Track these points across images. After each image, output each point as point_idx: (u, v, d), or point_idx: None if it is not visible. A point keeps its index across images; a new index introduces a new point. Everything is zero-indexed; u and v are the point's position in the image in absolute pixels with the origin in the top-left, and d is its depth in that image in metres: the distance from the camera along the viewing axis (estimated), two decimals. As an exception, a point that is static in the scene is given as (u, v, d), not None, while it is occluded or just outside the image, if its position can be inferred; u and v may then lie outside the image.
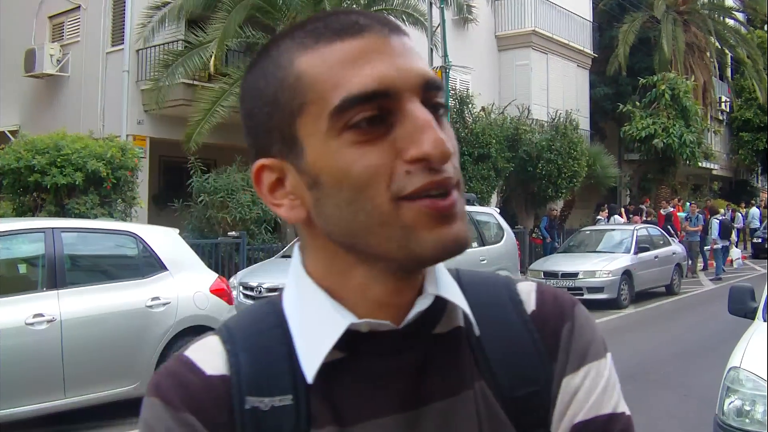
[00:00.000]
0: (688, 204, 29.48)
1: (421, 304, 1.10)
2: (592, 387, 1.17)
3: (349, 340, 1.09)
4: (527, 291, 1.25)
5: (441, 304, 1.14)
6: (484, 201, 22.46)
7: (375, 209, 1.01)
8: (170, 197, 18.60)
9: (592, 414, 1.16)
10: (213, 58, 17.97)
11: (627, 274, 18.90)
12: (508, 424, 1.15)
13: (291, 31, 1.09)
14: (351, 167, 1.01)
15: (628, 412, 1.20)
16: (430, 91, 1.05)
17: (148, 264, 8.89)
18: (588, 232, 22.78)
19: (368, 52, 1.02)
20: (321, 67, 1.03)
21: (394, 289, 1.10)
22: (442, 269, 1.17)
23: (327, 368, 1.08)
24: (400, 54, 1.04)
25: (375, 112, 1.00)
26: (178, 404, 1.07)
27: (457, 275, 1.24)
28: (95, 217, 13.62)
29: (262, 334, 1.15)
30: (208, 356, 1.13)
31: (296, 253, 1.18)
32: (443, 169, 1.02)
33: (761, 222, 33.79)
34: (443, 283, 1.15)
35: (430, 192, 1.01)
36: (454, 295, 1.15)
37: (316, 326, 1.10)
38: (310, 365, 1.08)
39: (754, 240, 21.76)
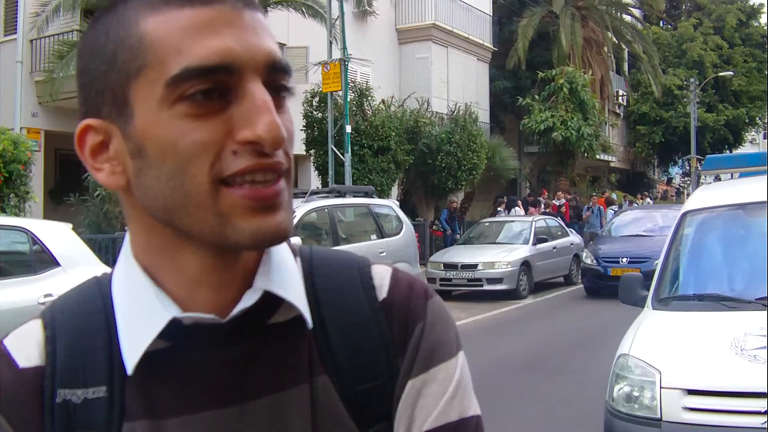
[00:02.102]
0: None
1: (248, 300, 1.05)
2: (440, 392, 1.12)
3: (174, 330, 1.03)
4: (381, 276, 1.18)
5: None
6: (384, 194, 22.47)
7: (193, 189, 0.96)
8: (67, 192, 18.17)
9: (441, 421, 1.11)
10: (109, 49, 17.58)
11: (526, 265, 19.15)
12: (347, 420, 1.10)
13: None
14: (178, 140, 0.95)
15: (477, 413, 1.16)
16: (275, 72, 1.00)
17: (40, 260, 8.62)
18: (488, 224, 22.89)
19: (217, 23, 0.97)
20: (166, 31, 0.97)
21: (212, 267, 1.04)
22: (283, 253, 1.13)
23: (149, 359, 1.03)
24: (251, 30, 0.99)
25: (211, 85, 0.95)
26: None
27: (310, 256, 1.19)
28: (-14, 212, 13.24)
29: (84, 318, 1.10)
30: (26, 345, 1.08)
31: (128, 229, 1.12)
32: (273, 154, 0.97)
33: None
34: (278, 273, 1.09)
35: (255, 176, 0.97)
36: (287, 288, 1.09)
37: (139, 316, 1.04)
38: (130, 357, 1.03)
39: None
